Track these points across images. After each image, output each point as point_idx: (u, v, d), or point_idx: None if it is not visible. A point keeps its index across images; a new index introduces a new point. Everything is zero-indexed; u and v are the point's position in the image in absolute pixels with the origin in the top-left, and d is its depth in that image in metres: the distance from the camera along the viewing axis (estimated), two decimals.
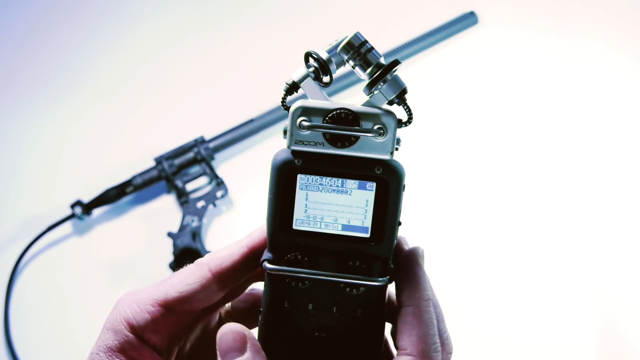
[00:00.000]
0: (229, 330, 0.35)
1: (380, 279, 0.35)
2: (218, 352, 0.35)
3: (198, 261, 0.38)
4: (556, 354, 0.80)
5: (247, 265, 0.38)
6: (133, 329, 0.36)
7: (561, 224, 0.89)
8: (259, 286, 0.40)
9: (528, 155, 0.95)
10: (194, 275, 0.37)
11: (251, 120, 0.95)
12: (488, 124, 0.98)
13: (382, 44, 1.01)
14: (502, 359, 0.81)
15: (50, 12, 1.10)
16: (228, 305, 0.42)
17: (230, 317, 0.42)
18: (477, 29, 1.05)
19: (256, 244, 0.38)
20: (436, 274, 0.84)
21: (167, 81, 1.03)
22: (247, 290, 0.42)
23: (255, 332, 0.39)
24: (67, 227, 0.92)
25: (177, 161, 0.91)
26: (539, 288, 0.85)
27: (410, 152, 0.95)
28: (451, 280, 0.85)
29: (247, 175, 0.94)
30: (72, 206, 0.89)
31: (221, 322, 0.42)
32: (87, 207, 0.89)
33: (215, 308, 0.41)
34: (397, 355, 0.35)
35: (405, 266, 0.37)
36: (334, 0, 1.09)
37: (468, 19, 1.04)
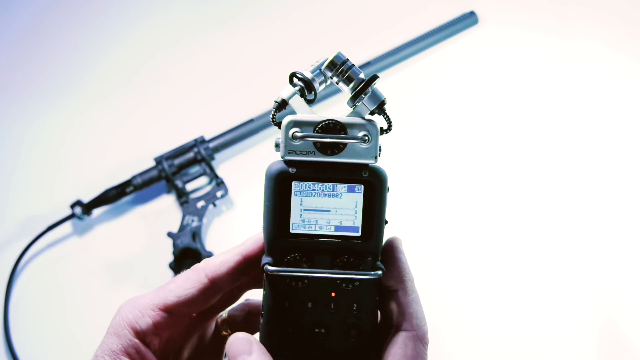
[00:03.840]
0: (236, 337, 0.37)
1: (372, 272, 0.38)
2: (228, 357, 0.37)
3: (194, 267, 0.41)
4: (556, 354, 0.80)
5: (241, 271, 0.41)
6: (136, 333, 0.39)
7: (562, 224, 0.89)
8: (253, 295, 0.43)
9: (529, 155, 0.95)
10: (191, 280, 0.40)
11: (251, 120, 0.95)
12: (488, 124, 0.98)
13: (382, 44, 1.01)
14: (502, 359, 0.81)
15: (50, 12, 1.10)
16: (224, 314, 0.45)
17: (227, 325, 0.44)
18: (477, 29, 1.05)
19: (250, 252, 0.40)
20: (438, 275, 0.85)
21: (167, 81, 1.03)
22: (243, 300, 0.45)
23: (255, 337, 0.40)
24: (67, 227, 0.92)
25: (177, 161, 0.91)
26: (539, 288, 0.85)
27: (411, 152, 0.95)
28: (451, 280, 0.85)
29: (247, 175, 0.94)
30: (72, 206, 0.89)
31: (217, 330, 0.45)
32: (87, 207, 0.89)
33: (210, 314, 0.44)
34: (394, 332, 0.38)
35: (388, 254, 0.40)
36: (334, 0, 1.09)
37: (468, 19, 1.04)
